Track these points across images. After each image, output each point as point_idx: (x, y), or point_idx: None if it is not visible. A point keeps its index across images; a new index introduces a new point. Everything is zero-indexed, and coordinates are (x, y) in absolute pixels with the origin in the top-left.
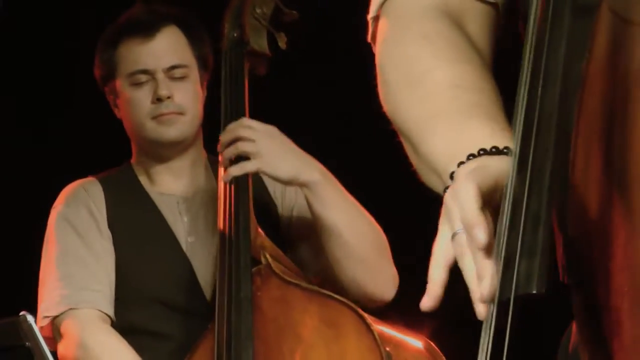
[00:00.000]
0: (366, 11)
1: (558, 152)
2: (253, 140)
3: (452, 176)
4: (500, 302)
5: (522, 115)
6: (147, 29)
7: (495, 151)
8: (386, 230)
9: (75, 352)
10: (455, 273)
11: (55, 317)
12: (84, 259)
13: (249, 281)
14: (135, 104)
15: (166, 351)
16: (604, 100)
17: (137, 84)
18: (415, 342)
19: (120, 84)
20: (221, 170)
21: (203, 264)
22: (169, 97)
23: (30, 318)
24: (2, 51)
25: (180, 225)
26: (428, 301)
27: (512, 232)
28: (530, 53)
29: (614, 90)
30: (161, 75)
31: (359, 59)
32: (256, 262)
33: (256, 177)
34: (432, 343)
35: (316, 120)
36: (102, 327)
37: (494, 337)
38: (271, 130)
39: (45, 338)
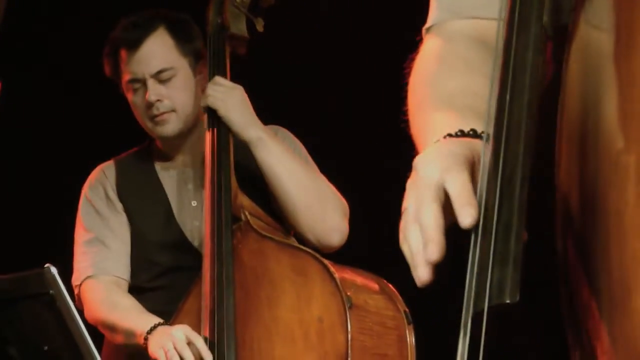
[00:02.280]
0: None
1: (526, 161)
2: (217, 89)
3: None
4: (475, 313)
5: (492, 125)
6: (133, 42)
7: (460, 134)
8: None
9: (97, 309)
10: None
11: (79, 286)
12: (103, 234)
13: (230, 236)
14: (136, 107)
15: (165, 300)
16: (581, 101)
17: (134, 90)
18: (374, 284)
19: (124, 88)
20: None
21: (202, 223)
22: (158, 100)
23: (53, 269)
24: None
25: (185, 192)
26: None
27: (483, 241)
28: (497, 60)
29: (589, 91)
30: (150, 81)
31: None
32: (237, 219)
33: (245, 145)
34: (389, 284)
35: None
36: (119, 289)
37: (469, 347)
38: (234, 86)
39: (77, 301)
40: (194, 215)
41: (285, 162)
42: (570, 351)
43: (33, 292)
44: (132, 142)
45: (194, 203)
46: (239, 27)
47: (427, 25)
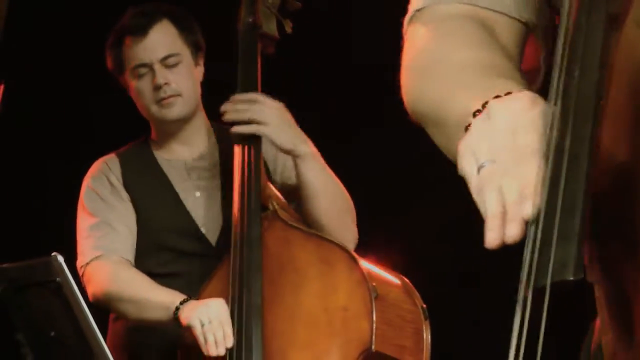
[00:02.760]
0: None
1: (594, 138)
2: (264, 110)
3: (482, 107)
4: (535, 289)
5: (559, 102)
6: (141, 29)
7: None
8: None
9: (102, 285)
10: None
11: (85, 266)
12: (108, 218)
13: (258, 223)
14: (141, 93)
15: (176, 287)
16: (630, 87)
17: (140, 76)
18: (394, 279)
19: (128, 76)
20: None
21: (208, 214)
22: (166, 84)
23: (60, 258)
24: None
25: (189, 183)
26: (494, 237)
27: (547, 218)
28: (566, 37)
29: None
30: (157, 66)
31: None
32: (265, 208)
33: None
34: (407, 280)
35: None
36: (128, 267)
37: (527, 325)
38: (279, 105)
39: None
40: (198, 205)
41: (323, 178)
42: (605, 342)
43: (40, 279)
44: (129, 137)
45: (197, 194)
46: (270, 27)
47: (417, 6)
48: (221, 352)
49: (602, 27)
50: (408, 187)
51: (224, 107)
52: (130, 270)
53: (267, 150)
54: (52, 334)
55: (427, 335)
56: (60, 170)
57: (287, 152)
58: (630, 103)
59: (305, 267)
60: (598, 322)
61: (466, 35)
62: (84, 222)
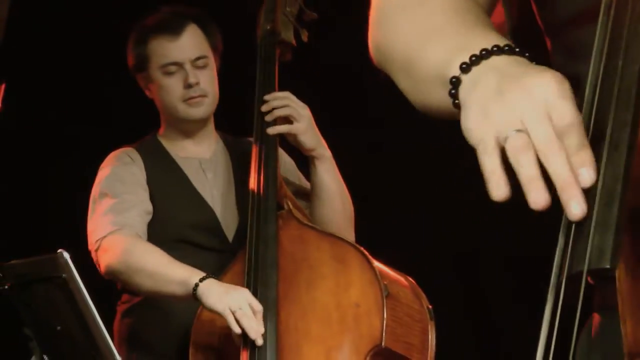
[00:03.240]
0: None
1: (635, 128)
2: (299, 110)
3: (464, 65)
4: (570, 277)
5: (597, 91)
6: (174, 28)
7: (509, 49)
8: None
9: (119, 255)
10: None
11: (102, 239)
12: (128, 199)
13: (274, 221)
14: (168, 90)
15: None
16: None
17: (169, 73)
18: (403, 279)
19: (154, 73)
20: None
21: (225, 211)
22: (197, 83)
23: (66, 254)
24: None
25: (205, 181)
26: (498, 189)
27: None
28: (606, 29)
29: None
30: (188, 66)
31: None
32: (280, 207)
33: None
34: (414, 282)
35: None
36: (146, 241)
37: (559, 313)
38: (306, 106)
39: (97, 262)
40: (216, 202)
41: (337, 182)
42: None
43: (47, 275)
44: (133, 135)
45: (214, 191)
46: (288, 35)
47: None
48: (258, 341)
49: None
50: (410, 187)
51: (271, 103)
52: (147, 244)
53: None
54: (59, 328)
55: (432, 335)
56: (62, 169)
57: (308, 151)
58: None
59: (319, 265)
60: (596, 316)
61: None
62: (101, 204)
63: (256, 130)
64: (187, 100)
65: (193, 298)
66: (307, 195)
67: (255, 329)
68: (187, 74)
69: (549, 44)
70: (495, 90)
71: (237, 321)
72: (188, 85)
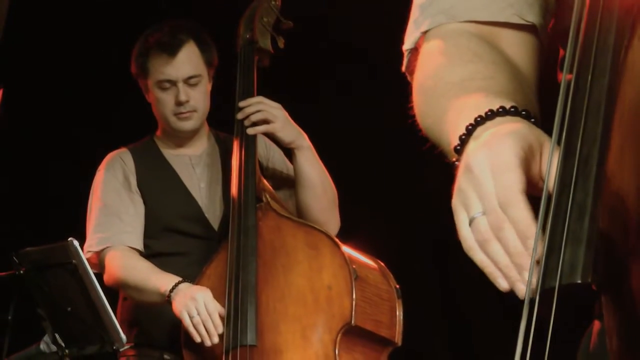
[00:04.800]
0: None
1: (604, 141)
2: (273, 111)
3: (455, 150)
4: (543, 292)
5: (569, 104)
6: (172, 48)
7: (492, 114)
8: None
9: (119, 273)
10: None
11: (99, 252)
12: (118, 208)
13: (254, 213)
14: (162, 103)
15: (183, 264)
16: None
17: (164, 89)
18: (372, 262)
19: (151, 85)
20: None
21: (211, 202)
22: (187, 101)
23: (76, 243)
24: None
25: (193, 175)
26: (504, 283)
27: (556, 221)
28: (577, 42)
29: None
30: (181, 84)
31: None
32: (259, 200)
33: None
34: (383, 264)
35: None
36: (136, 255)
37: (532, 329)
38: (280, 106)
39: (90, 265)
40: (203, 194)
41: (317, 169)
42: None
43: (58, 261)
44: (133, 135)
45: (201, 185)
46: (265, 43)
47: (422, 29)
48: (214, 341)
49: (614, 29)
50: (382, 178)
51: (245, 110)
52: (133, 259)
53: (259, 147)
54: (69, 309)
55: (400, 312)
56: (65, 167)
57: (288, 145)
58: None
59: (295, 252)
60: (596, 323)
61: (457, 51)
62: (95, 209)
63: (236, 131)
64: (177, 114)
65: (169, 305)
66: (293, 182)
67: (205, 335)
68: (179, 92)
69: (561, 54)
70: (464, 168)
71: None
72: (179, 103)
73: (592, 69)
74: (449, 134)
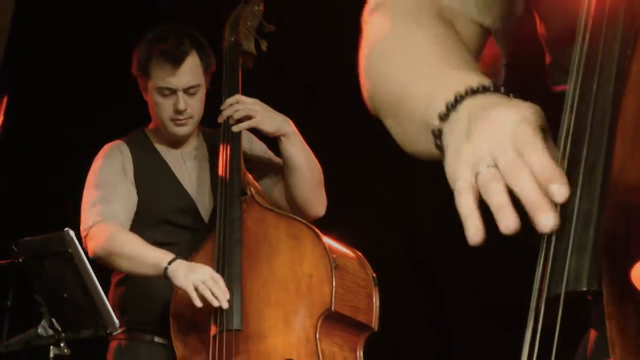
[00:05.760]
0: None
1: (610, 150)
2: (250, 107)
3: (447, 109)
4: (548, 300)
5: (574, 113)
6: (176, 59)
7: (483, 89)
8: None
9: (103, 242)
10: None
11: (89, 228)
12: (113, 192)
13: (239, 205)
14: (161, 108)
15: (174, 252)
16: None
17: (164, 95)
18: (350, 252)
19: (151, 88)
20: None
21: (202, 195)
22: (185, 110)
23: (71, 233)
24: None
25: (185, 170)
26: (475, 235)
27: (562, 230)
28: (582, 51)
29: None
30: (181, 93)
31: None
32: (244, 193)
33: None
34: (360, 253)
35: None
36: (126, 230)
37: (537, 337)
38: (257, 100)
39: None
40: (193, 188)
41: (303, 153)
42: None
43: (55, 250)
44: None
45: (192, 178)
46: (249, 45)
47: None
48: (224, 304)
49: (619, 38)
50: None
51: (224, 113)
52: (128, 233)
53: (244, 142)
54: (65, 295)
55: (376, 299)
56: (63, 164)
57: (273, 134)
58: None
59: (277, 242)
60: (592, 332)
61: (426, 23)
62: (91, 194)
63: (222, 129)
64: (174, 120)
65: (164, 278)
66: (280, 169)
67: (218, 297)
68: (179, 100)
69: (547, 60)
70: (466, 131)
71: (201, 296)
72: (177, 111)
73: (597, 77)
74: (425, 96)
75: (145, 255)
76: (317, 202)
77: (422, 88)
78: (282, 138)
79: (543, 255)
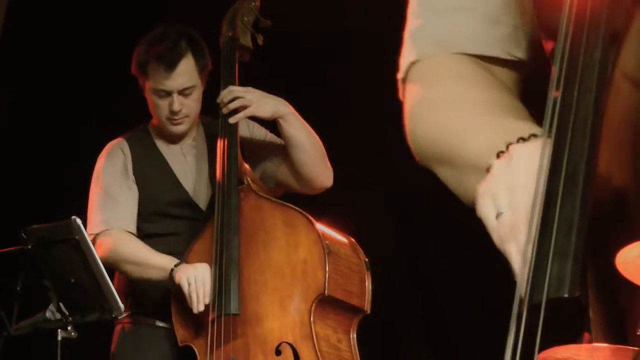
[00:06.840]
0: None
1: (591, 157)
2: (245, 97)
3: (499, 154)
4: (531, 306)
5: (555, 119)
6: (171, 62)
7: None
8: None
9: (106, 254)
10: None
11: (96, 235)
12: (117, 193)
13: (236, 194)
14: (157, 108)
15: (173, 242)
16: (630, 103)
17: (160, 96)
18: (343, 238)
19: (149, 88)
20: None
21: (198, 187)
22: (180, 110)
23: (78, 220)
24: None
25: (184, 163)
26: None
27: (544, 235)
28: (563, 57)
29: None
30: (175, 94)
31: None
32: (241, 182)
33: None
34: (353, 240)
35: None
36: (129, 236)
37: (521, 341)
38: (249, 88)
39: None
40: (191, 180)
41: (303, 131)
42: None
43: (63, 237)
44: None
45: (191, 171)
46: (246, 40)
47: (411, 59)
48: (200, 308)
49: (600, 45)
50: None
51: (223, 106)
52: (133, 240)
53: (242, 130)
54: (72, 280)
55: (369, 283)
56: (68, 159)
57: (270, 118)
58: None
59: (273, 229)
60: (586, 335)
61: (471, 76)
62: (96, 194)
63: (220, 120)
64: (170, 119)
65: (169, 279)
66: (283, 150)
67: (195, 302)
68: (173, 102)
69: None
70: (506, 160)
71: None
72: (172, 112)
73: (578, 84)
74: (485, 142)
75: (152, 261)
76: (323, 175)
77: (483, 136)
78: (280, 120)
79: (526, 261)
